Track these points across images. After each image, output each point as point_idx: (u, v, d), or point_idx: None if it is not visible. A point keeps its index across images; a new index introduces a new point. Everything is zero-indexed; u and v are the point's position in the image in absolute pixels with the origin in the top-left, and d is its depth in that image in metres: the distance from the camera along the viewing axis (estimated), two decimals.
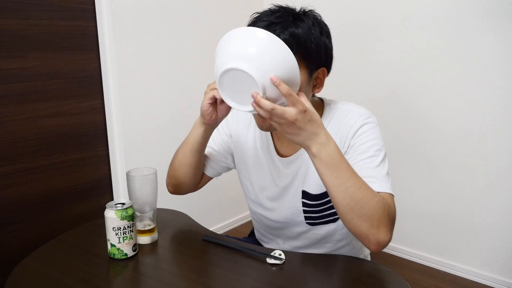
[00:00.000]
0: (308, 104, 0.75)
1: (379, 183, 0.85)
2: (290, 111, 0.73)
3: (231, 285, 0.84)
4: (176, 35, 2.04)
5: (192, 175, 1.06)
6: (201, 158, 1.05)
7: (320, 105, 1.00)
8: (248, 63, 0.73)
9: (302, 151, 0.97)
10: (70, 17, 1.67)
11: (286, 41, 0.82)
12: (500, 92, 1.74)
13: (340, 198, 0.79)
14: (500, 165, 1.79)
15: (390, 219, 0.82)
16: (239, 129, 1.08)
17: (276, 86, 0.72)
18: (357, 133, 0.91)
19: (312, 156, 0.79)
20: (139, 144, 1.95)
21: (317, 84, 0.93)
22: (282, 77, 0.73)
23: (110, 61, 1.79)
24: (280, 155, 1.02)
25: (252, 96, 0.73)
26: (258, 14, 0.89)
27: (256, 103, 0.73)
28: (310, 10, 0.91)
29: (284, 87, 0.72)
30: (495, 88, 1.75)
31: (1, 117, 1.52)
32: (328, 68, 0.94)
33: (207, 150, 1.09)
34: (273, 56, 0.73)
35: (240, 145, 1.08)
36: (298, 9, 0.91)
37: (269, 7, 0.91)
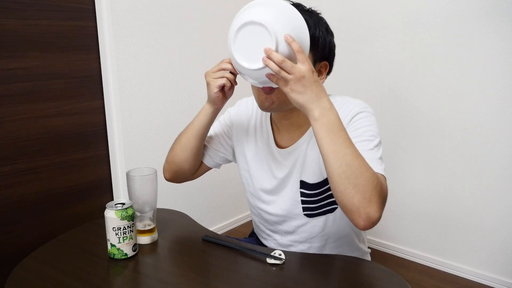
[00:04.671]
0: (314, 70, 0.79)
1: (372, 164, 0.83)
2: (299, 66, 0.77)
3: (231, 285, 0.84)
4: (176, 35, 2.04)
5: (193, 160, 1.08)
6: (202, 144, 1.08)
7: None
8: (265, 19, 0.77)
9: (301, 141, 1.00)
10: (70, 17, 1.67)
11: None
12: (500, 92, 1.74)
13: (337, 165, 0.78)
14: (500, 165, 1.79)
15: (382, 196, 0.80)
16: (240, 121, 1.10)
17: (289, 44, 0.76)
18: (353, 119, 0.93)
19: (313, 119, 0.79)
20: (139, 144, 1.95)
21: (319, 76, 0.96)
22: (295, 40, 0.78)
23: (110, 61, 1.79)
24: (279, 146, 1.04)
25: (265, 50, 0.77)
26: None
27: (268, 56, 0.76)
28: (318, 12, 0.97)
29: (296, 45, 0.76)
30: (495, 88, 1.75)
31: (1, 117, 1.52)
32: (331, 63, 0.99)
33: (206, 140, 1.12)
34: (289, 20, 0.78)
35: (241, 138, 1.10)
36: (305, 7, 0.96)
37: None
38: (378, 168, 0.85)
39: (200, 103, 2.27)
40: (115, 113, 1.84)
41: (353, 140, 0.87)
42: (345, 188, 0.78)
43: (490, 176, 1.82)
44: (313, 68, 0.78)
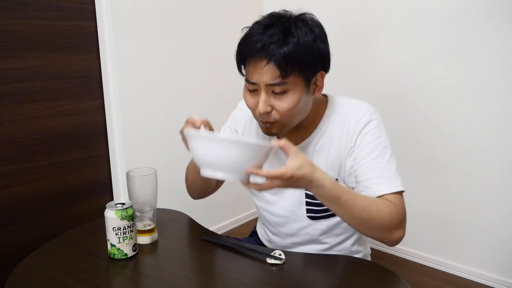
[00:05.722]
0: (292, 165, 0.76)
1: (389, 184, 0.89)
2: (278, 183, 0.77)
3: (231, 285, 0.84)
4: (176, 35, 2.04)
5: (206, 188, 1.13)
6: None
7: (323, 101, 1.02)
8: (222, 170, 0.75)
9: (306, 142, 0.99)
10: (70, 17, 1.67)
11: (280, 66, 0.84)
12: (500, 92, 1.74)
13: (349, 221, 0.86)
14: (501, 165, 1.79)
15: (400, 220, 0.87)
16: (244, 124, 1.11)
17: (256, 174, 0.75)
18: (363, 130, 0.94)
19: (313, 193, 0.83)
20: (139, 144, 1.95)
21: (317, 87, 0.93)
22: (258, 164, 0.76)
23: (110, 61, 1.79)
24: None
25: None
26: (249, 31, 0.89)
27: (245, 185, 0.78)
28: (303, 14, 0.90)
29: (263, 172, 0.75)
30: (496, 88, 1.75)
31: (1, 117, 1.52)
32: (326, 70, 0.94)
33: None
34: (241, 158, 0.74)
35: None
36: (290, 14, 0.89)
37: (258, 19, 0.90)
38: (395, 186, 0.90)
39: (199, 103, 2.27)
40: (115, 113, 1.84)
41: (367, 158, 0.92)
42: (364, 232, 0.88)
43: (490, 176, 1.82)
44: (287, 174, 0.75)
